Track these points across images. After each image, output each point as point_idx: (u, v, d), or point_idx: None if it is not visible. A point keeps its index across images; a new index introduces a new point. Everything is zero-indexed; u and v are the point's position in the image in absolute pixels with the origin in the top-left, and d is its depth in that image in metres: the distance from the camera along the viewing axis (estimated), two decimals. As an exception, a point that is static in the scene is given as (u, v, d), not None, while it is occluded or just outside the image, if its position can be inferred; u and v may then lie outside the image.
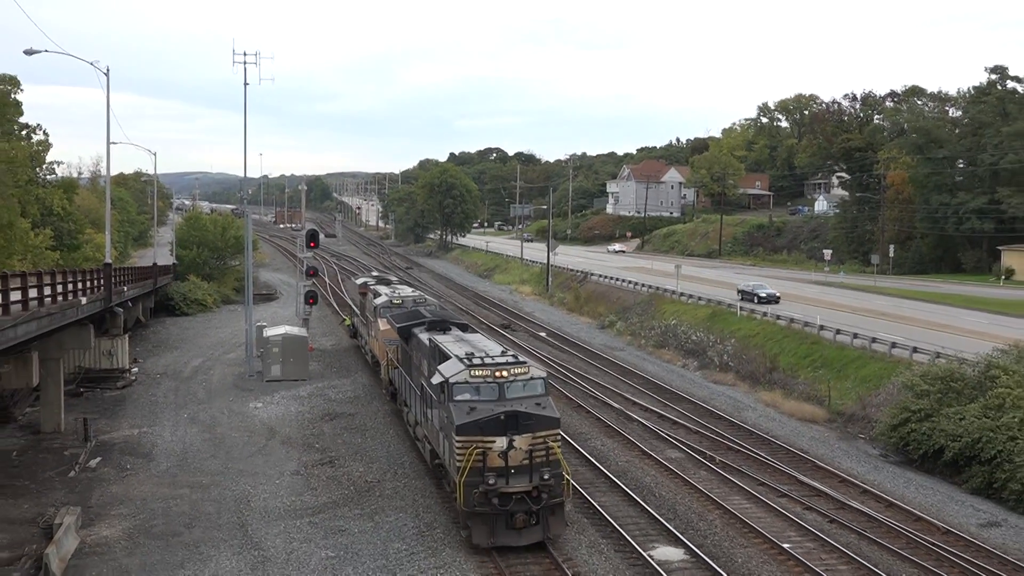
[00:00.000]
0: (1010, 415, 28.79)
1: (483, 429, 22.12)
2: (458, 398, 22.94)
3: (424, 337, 29.37)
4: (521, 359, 24.76)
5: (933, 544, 23.99)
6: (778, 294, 61.80)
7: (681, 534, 24.40)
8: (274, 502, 27.16)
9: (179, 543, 23.95)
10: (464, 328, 31.61)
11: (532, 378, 23.77)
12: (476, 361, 23.81)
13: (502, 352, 25.70)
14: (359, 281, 55.91)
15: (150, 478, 29.77)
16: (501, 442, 22.06)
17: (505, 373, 23.30)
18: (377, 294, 43.76)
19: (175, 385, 44.41)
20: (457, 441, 22.27)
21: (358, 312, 53.39)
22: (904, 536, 24.70)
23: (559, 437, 23.63)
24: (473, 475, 21.89)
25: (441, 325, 30.89)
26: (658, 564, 22.26)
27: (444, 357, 25.47)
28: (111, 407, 39.90)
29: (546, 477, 22.21)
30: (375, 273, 65.44)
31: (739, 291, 63.87)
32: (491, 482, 21.76)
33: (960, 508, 27.44)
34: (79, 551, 23.20)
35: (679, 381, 46.35)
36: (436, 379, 24.37)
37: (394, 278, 57.97)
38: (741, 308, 57.67)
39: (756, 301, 59.86)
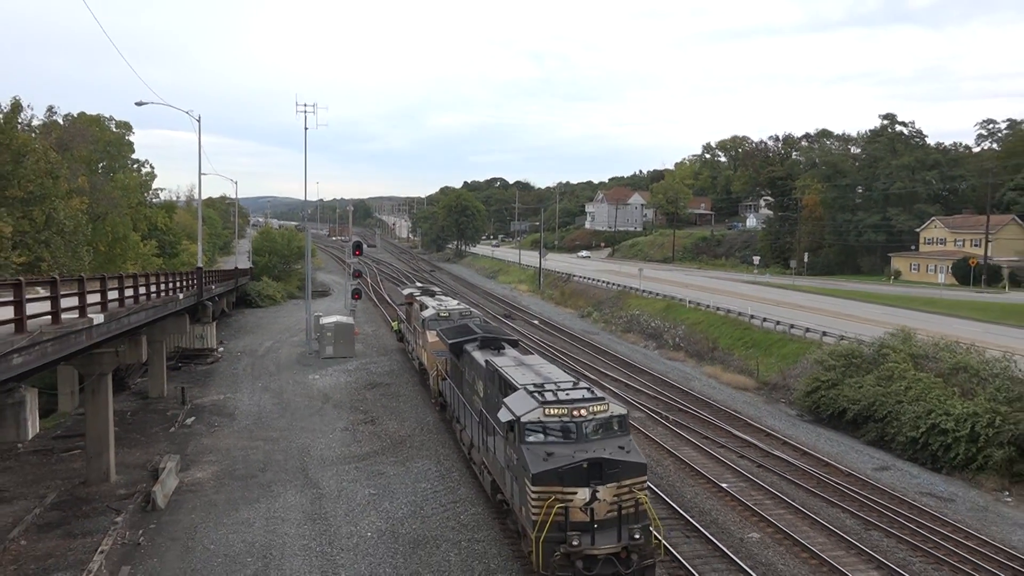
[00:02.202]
0: (897, 384, 28.87)
1: (563, 479, 15.48)
2: (531, 440, 16.30)
3: (479, 356, 22.64)
4: (598, 394, 17.61)
5: (838, 483, 24.04)
6: None
7: (643, 476, 24.39)
8: (328, 452, 27.19)
9: (255, 483, 24.00)
10: (515, 344, 24.85)
11: (612, 416, 16.92)
12: (549, 396, 17.10)
13: (574, 384, 18.44)
14: (405, 292, 48.17)
15: (233, 433, 29.81)
16: (584, 493, 15.44)
17: (583, 411, 16.53)
18: (424, 306, 36.86)
19: (252, 361, 44.41)
20: (532, 492, 15.63)
21: (404, 319, 45.81)
22: (815, 477, 24.74)
23: (646, 485, 16.54)
24: (553, 531, 15.34)
25: (494, 343, 23.98)
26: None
27: (507, 386, 18.74)
28: (202, 378, 39.93)
29: (636, 536, 15.46)
30: (419, 284, 58.49)
31: None
32: (575, 543, 15.15)
33: (859, 456, 27.50)
34: (178, 489, 23.28)
35: (641, 358, 46.37)
36: (504, 415, 17.30)
37: (437, 288, 49.72)
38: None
39: None
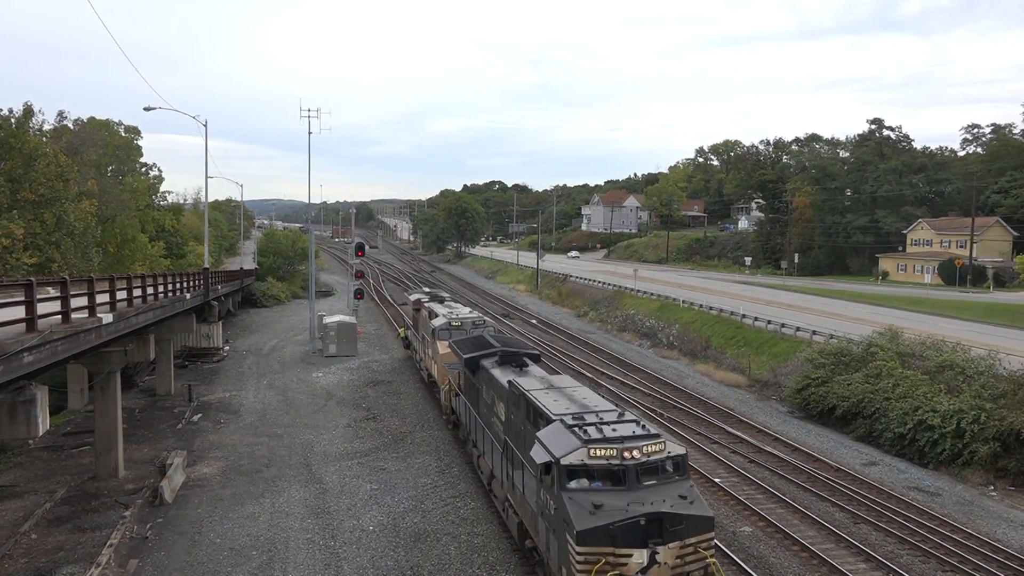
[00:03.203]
0: (885, 381, 28.86)
1: (616, 538, 12.44)
2: (573, 486, 13.14)
3: (499, 375, 19.78)
4: (652, 429, 14.15)
5: (827, 478, 24.04)
6: None
7: (638, 471, 24.27)
8: (331, 448, 27.16)
9: (260, 478, 23.97)
10: (537, 360, 21.81)
11: (670, 456, 13.72)
12: (592, 432, 13.77)
13: (619, 415, 14.93)
14: (412, 297, 43.93)
15: (238, 429, 29.78)
16: (640, 556, 12.45)
17: (636, 452, 13.30)
18: (434, 314, 33.48)
19: (257, 360, 44.37)
20: (578, 554, 12.54)
21: (411, 325, 42.17)
22: (805, 472, 24.74)
23: (713, 543, 13.49)
24: None
25: (514, 359, 20.92)
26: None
27: (539, 415, 15.53)
28: (209, 376, 39.89)
29: None
30: (426, 289, 52.51)
31: None
32: None
33: (848, 451, 27.49)
34: (185, 484, 23.24)
35: (636, 356, 46.35)
36: (538, 455, 14.01)
37: (446, 294, 44.19)
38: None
39: None
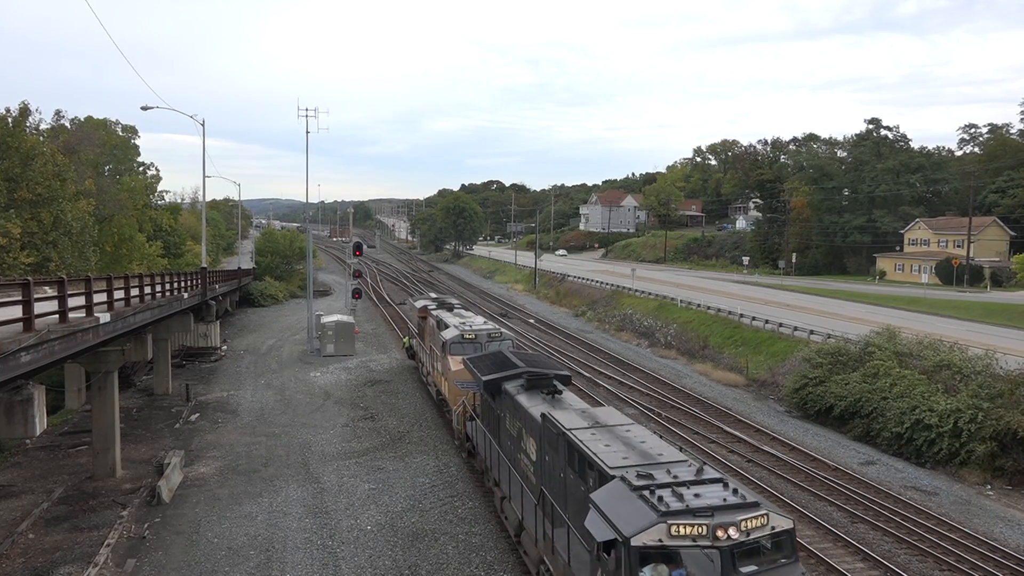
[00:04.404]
0: (882, 381, 28.88)
1: None
2: (648, 575, 9.61)
3: (527, 404, 16.47)
4: (749, 496, 10.43)
5: (825, 478, 24.07)
6: None
7: (636, 471, 24.22)
8: (329, 447, 27.14)
9: (258, 478, 23.95)
10: (567, 381, 18.69)
11: (774, 531, 10.14)
12: (671, 501, 10.09)
13: (697, 469, 11.24)
14: (419, 304, 38.48)
15: (236, 429, 29.75)
16: None
17: (732, 531, 9.67)
18: (443, 324, 29.78)
19: (254, 359, 44.32)
20: None
21: (416, 334, 38.86)
22: (803, 472, 24.76)
23: None
24: None
25: (543, 382, 17.56)
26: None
27: (589, 465, 12.14)
28: (206, 375, 39.85)
29: None
30: (433, 295, 46.94)
31: None
32: None
33: (845, 451, 27.51)
34: (183, 483, 23.22)
35: (634, 356, 46.36)
36: (598, 530, 10.35)
37: (455, 301, 38.87)
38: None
39: None
